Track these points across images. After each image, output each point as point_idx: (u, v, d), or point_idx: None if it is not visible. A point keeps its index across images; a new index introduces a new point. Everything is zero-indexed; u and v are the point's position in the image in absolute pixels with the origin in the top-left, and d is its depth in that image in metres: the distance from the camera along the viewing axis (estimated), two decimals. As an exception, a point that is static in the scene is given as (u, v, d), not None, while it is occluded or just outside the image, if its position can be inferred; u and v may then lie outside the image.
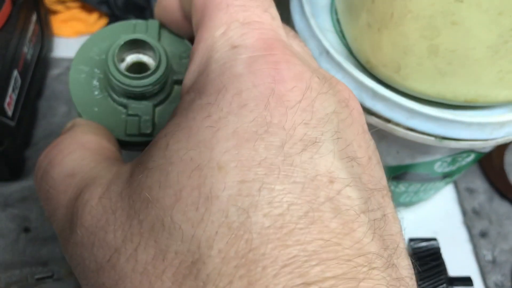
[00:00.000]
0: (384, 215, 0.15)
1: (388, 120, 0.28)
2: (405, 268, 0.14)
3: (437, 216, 0.40)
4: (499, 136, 0.28)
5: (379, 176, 0.16)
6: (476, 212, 0.40)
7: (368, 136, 0.16)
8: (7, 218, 0.35)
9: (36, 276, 0.32)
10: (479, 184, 0.42)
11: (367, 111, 0.28)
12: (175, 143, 0.13)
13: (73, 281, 0.32)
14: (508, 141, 0.29)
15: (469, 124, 0.27)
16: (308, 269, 0.12)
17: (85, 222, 0.14)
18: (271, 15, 0.16)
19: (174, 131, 0.14)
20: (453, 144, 0.28)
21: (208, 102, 0.14)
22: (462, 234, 0.39)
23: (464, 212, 0.40)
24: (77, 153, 0.17)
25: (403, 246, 0.15)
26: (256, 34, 0.15)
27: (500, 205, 0.40)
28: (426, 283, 0.30)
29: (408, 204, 0.38)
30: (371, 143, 0.16)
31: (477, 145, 0.28)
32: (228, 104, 0.14)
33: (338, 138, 0.14)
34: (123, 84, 0.21)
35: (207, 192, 0.12)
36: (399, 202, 0.37)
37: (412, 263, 0.15)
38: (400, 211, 0.39)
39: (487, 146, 0.29)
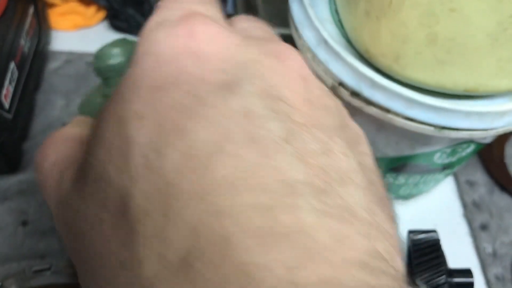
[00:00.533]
0: (328, 150, 0.14)
1: (387, 110, 0.28)
2: (357, 198, 0.14)
3: (437, 209, 0.39)
4: (499, 125, 0.28)
5: (323, 118, 0.15)
6: (476, 205, 0.40)
7: (312, 84, 0.16)
8: (5, 211, 0.35)
9: (34, 269, 0.31)
10: (479, 176, 0.41)
11: (366, 101, 0.28)
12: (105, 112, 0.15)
13: (71, 273, 0.31)
14: (508, 131, 0.29)
15: (468, 114, 0.27)
16: (220, 198, 0.12)
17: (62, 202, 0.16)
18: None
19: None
20: (453, 134, 0.28)
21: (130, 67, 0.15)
22: (462, 227, 0.39)
23: (465, 205, 0.40)
24: (59, 145, 0.18)
25: (359, 182, 0.14)
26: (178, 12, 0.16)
27: (500, 198, 0.40)
28: (426, 275, 0.30)
29: (407, 197, 0.38)
30: (316, 91, 0.16)
31: (477, 135, 0.28)
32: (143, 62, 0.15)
33: (257, 79, 0.14)
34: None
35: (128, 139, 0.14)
36: (399, 195, 0.37)
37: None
38: (400, 204, 0.39)
39: (487, 136, 0.29)
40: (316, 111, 0.15)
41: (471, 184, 0.41)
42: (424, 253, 0.31)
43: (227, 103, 0.13)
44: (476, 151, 0.33)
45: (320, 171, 0.13)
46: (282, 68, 0.15)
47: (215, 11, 0.18)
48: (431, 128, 0.28)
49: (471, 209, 0.39)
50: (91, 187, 0.14)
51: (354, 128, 0.17)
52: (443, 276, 0.30)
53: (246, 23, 0.19)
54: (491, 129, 0.28)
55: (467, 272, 0.32)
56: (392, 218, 0.15)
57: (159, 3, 0.17)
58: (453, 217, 0.39)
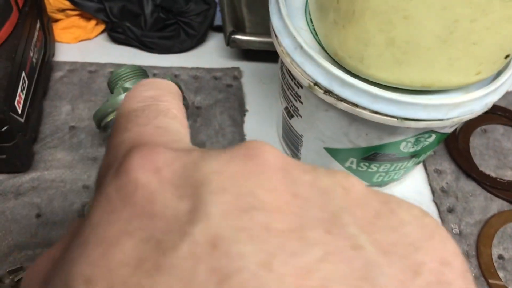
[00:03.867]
0: (328, 253, 0.12)
1: (355, 105, 0.32)
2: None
3: (409, 195, 0.44)
4: (453, 116, 0.32)
5: (317, 210, 0.13)
6: (444, 191, 0.44)
7: (295, 172, 0.14)
8: (20, 205, 0.39)
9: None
10: (447, 165, 0.46)
11: (337, 97, 0.32)
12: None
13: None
14: (462, 121, 0.33)
15: (426, 106, 0.31)
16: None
17: None
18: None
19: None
20: (413, 124, 0.32)
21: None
22: (431, 211, 0.43)
23: (433, 191, 0.44)
24: (41, 263, 0.18)
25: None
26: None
27: (466, 184, 0.45)
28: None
29: (381, 184, 0.42)
30: (304, 178, 0.14)
31: (435, 125, 0.32)
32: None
33: (222, 194, 0.13)
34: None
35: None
36: (373, 182, 0.42)
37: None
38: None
39: (445, 125, 0.33)
40: (307, 204, 0.13)
41: (439, 172, 0.45)
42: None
43: (190, 239, 0.11)
44: (439, 141, 0.37)
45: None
46: (253, 168, 0.13)
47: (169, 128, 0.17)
48: (394, 120, 0.32)
49: (439, 195, 0.44)
50: None
51: (373, 198, 0.14)
52: None
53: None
54: (447, 119, 0.32)
55: None
56: None
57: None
58: (423, 203, 0.44)
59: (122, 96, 0.38)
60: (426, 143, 0.36)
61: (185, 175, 0.13)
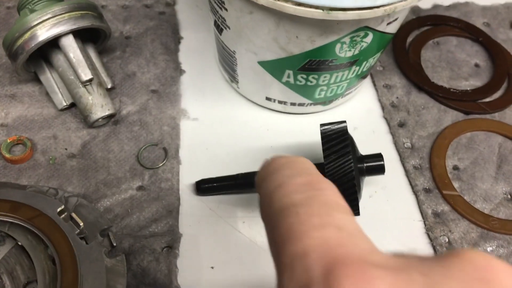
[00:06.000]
0: None
1: (276, -2, 0.29)
2: None
3: (358, 113, 0.41)
4: (385, 2, 0.29)
5: None
6: (394, 106, 0.41)
7: None
8: None
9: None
10: (397, 80, 0.43)
11: (256, -9, 0.29)
12: None
13: None
14: (395, 10, 0.30)
15: (354, -6, 0.28)
16: None
17: None
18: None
19: None
20: (341, 16, 0.29)
21: None
22: (381, 127, 0.40)
23: (383, 107, 0.41)
24: None
25: None
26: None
27: (417, 97, 0.42)
28: (334, 160, 0.31)
29: (326, 102, 0.39)
30: None
31: (366, 15, 0.29)
32: None
33: None
34: None
35: None
36: (316, 99, 0.39)
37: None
38: (321, 111, 0.40)
39: (377, 16, 0.30)
40: None
41: (389, 87, 0.42)
42: (331, 139, 0.32)
43: None
44: (379, 44, 0.34)
45: None
46: None
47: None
48: (320, 11, 0.29)
49: (389, 110, 0.41)
50: None
51: None
52: (351, 161, 0.31)
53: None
54: (377, 6, 0.29)
55: (377, 156, 0.34)
56: None
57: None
58: (373, 119, 0.41)
59: (29, 17, 0.35)
60: (364, 44, 0.33)
61: None
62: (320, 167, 0.34)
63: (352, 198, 0.31)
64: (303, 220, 0.16)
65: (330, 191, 0.18)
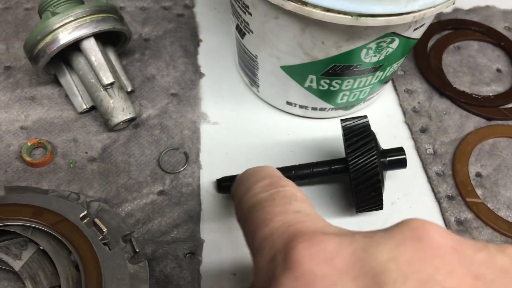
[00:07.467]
0: None
1: (304, 3, 0.28)
2: None
3: (379, 118, 0.40)
4: (414, 8, 0.29)
5: None
6: (416, 111, 0.41)
7: (466, 248, 0.15)
8: None
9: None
10: (418, 85, 0.42)
11: (284, -4, 0.28)
12: None
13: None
14: (424, 16, 0.30)
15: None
16: None
17: None
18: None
19: None
20: (370, 22, 0.29)
21: None
22: (403, 132, 0.40)
23: (404, 112, 0.41)
24: None
25: None
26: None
27: (439, 103, 0.41)
28: (358, 155, 0.31)
29: (347, 106, 0.39)
30: (479, 256, 0.15)
31: (394, 22, 0.29)
32: None
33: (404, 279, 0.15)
34: None
35: None
36: (338, 104, 0.38)
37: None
38: (342, 117, 0.40)
39: (405, 23, 0.30)
40: (491, 286, 0.14)
41: (410, 92, 0.42)
42: (354, 135, 0.32)
43: None
44: (404, 49, 0.34)
45: None
46: (424, 251, 0.14)
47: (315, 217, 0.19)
48: (349, 17, 0.29)
49: (410, 115, 0.41)
50: None
51: None
52: (375, 155, 0.31)
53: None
54: (407, 13, 0.29)
55: (399, 150, 0.34)
56: None
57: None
58: (394, 124, 0.40)
59: (51, 20, 0.34)
60: (389, 50, 0.33)
61: (358, 264, 0.15)
62: (340, 162, 0.34)
63: (377, 194, 0.32)
64: (268, 211, 0.19)
65: (289, 187, 0.21)
